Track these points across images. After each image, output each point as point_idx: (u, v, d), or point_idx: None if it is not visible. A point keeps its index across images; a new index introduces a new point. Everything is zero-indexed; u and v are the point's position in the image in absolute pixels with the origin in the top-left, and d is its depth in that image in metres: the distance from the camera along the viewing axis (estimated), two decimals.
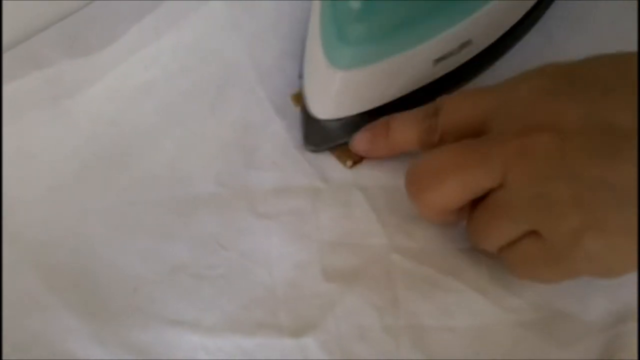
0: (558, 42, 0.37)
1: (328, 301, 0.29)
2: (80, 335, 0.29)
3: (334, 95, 0.32)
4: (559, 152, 0.24)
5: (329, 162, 0.34)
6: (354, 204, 0.32)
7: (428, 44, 0.31)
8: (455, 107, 0.29)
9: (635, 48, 0.33)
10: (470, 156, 0.26)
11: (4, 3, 0.33)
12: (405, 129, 0.31)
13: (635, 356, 0.27)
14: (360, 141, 0.32)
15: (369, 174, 0.33)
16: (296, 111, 0.35)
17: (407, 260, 0.30)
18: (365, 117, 0.33)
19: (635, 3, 0.37)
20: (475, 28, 0.32)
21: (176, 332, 0.29)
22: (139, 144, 0.33)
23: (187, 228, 0.31)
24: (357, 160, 0.33)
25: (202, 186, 0.33)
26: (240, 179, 0.33)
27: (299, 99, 0.35)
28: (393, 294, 0.29)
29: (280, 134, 0.34)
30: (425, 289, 0.29)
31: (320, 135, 0.34)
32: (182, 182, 0.33)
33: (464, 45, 0.32)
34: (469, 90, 0.29)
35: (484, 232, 0.27)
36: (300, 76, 0.34)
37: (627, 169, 0.23)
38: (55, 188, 0.32)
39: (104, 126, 0.34)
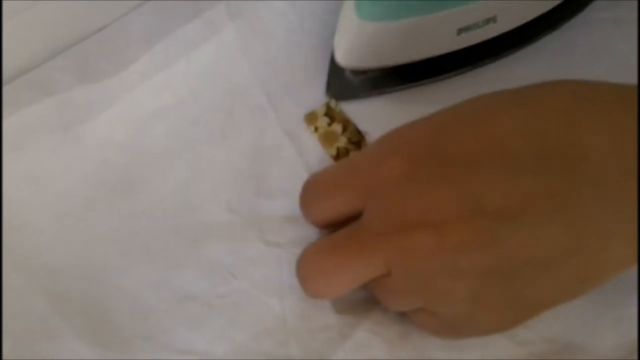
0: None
1: (338, 333, 0.29)
2: None
3: (358, 44, 0.33)
4: (437, 248, 0.23)
5: None
6: None
7: (453, 12, 0.32)
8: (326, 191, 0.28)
9: None
10: (354, 253, 0.26)
11: (16, 29, 0.33)
12: None
13: None
14: None
15: None
16: (307, 132, 0.35)
17: None
18: (385, 76, 0.35)
19: None
20: (501, 5, 0.33)
21: None
22: (149, 170, 0.33)
23: (198, 256, 0.31)
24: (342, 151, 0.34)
25: (212, 213, 0.32)
26: (251, 206, 0.33)
27: (312, 119, 0.35)
28: (403, 326, 0.29)
29: (291, 159, 0.34)
30: None
31: (341, 85, 0.36)
32: (192, 209, 0.33)
33: (489, 20, 0.34)
34: (336, 166, 0.30)
35: (381, 300, 0.28)
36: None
37: (504, 252, 0.23)
38: (64, 214, 0.32)
39: (114, 152, 0.34)
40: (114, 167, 0.33)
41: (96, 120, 0.34)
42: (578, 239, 0.23)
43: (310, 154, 0.34)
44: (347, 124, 0.35)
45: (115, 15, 0.37)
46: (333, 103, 0.36)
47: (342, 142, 0.35)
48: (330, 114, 0.35)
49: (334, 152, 0.34)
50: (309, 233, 0.32)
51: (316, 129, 0.35)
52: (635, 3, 0.38)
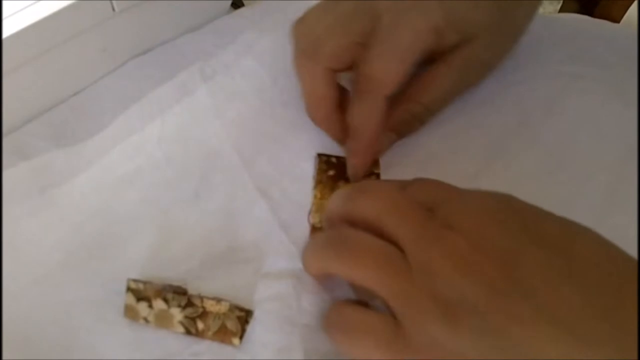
0: None
1: None
2: None
3: None
4: None
5: None
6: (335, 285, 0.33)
7: None
8: None
9: None
10: None
11: None
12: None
13: None
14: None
15: None
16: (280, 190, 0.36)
17: None
18: None
19: None
20: None
21: None
22: (124, 234, 0.34)
23: None
24: None
25: (186, 274, 0.33)
26: (224, 266, 0.33)
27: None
28: None
29: (264, 217, 0.35)
30: None
31: None
32: (166, 271, 0.33)
33: None
34: None
35: None
36: None
37: None
38: (40, 280, 0.32)
39: (89, 216, 0.34)
40: (89, 231, 0.34)
41: (71, 184, 0.35)
42: None
43: (284, 211, 0.35)
44: None
45: (90, 80, 0.38)
46: None
47: None
48: None
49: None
50: (280, 289, 0.32)
51: None
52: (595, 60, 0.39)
